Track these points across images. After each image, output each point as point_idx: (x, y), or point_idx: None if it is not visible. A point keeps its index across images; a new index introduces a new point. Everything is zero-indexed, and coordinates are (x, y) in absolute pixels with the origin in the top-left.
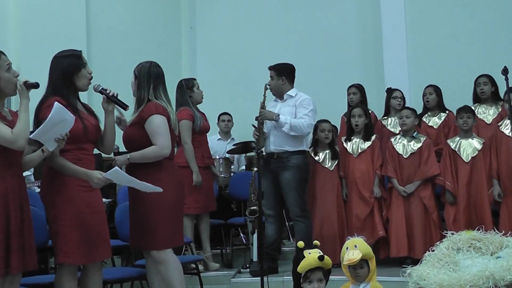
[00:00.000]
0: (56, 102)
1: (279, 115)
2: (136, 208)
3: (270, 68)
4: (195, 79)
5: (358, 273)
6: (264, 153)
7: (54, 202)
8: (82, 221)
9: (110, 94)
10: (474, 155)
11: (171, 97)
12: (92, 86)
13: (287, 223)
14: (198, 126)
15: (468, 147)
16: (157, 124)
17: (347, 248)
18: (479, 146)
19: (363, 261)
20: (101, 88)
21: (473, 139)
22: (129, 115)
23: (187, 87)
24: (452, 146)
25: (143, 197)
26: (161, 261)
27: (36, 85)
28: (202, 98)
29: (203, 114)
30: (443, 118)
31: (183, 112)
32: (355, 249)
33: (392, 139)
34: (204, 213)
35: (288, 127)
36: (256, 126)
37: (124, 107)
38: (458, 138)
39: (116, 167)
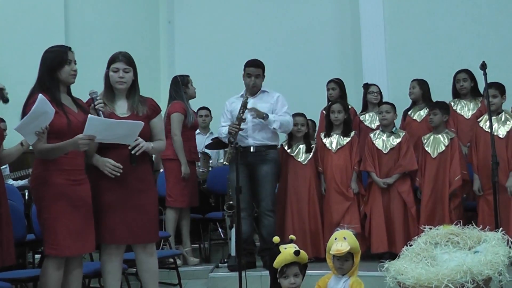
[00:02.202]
0: (40, 94)
1: (267, 114)
2: (140, 201)
3: (257, 65)
4: (189, 76)
5: (342, 265)
6: (241, 148)
7: (41, 194)
8: (66, 214)
9: (97, 106)
10: (441, 150)
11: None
12: (90, 90)
13: None
14: (190, 122)
15: (437, 143)
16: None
17: (335, 239)
18: (446, 142)
19: (349, 254)
20: (94, 96)
21: (443, 135)
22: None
23: (182, 83)
24: (423, 142)
25: (149, 190)
26: (153, 253)
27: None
28: (195, 93)
29: (194, 111)
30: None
31: (176, 105)
32: (344, 240)
33: (371, 135)
34: (187, 207)
35: (278, 124)
36: (235, 121)
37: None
38: (430, 134)
39: (89, 115)
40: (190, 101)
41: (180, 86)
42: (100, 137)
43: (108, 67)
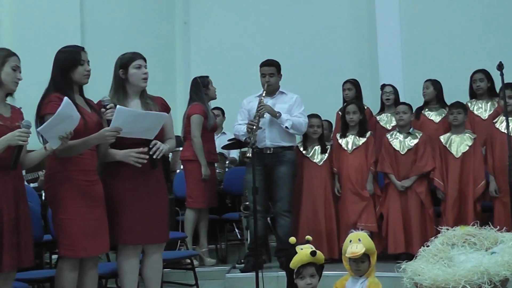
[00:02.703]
0: (65, 98)
1: (280, 112)
2: (156, 201)
3: (270, 64)
4: (208, 77)
5: (359, 267)
6: (257, 149)
7: (56, 195)
8: (81, 215)
9: (108, 115)
10: (465, 150)
11: (168, 92)
12: (103, 97)
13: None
14: (210, 125)
15: (459, 143)
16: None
17: (350, 241)
18: (470, 142)
19: (365, 256)
20: (106, 104)
21: (464, 135)
22: None
23: (202, 84)
24: (443, 142)
25: (162, 190)
26: (162, 252)
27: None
28: (216, 94)
29: (213, 112)
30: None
31: (196, 107)
32: (358, 242)
33: (388, 135)
34: (206, 208)
35: (290, 123)
36: (254, 119)
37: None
38: (449, 134)
39: (118, 106)
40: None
41: (201, 88)
42: (126, 130)
43: (123, 67)
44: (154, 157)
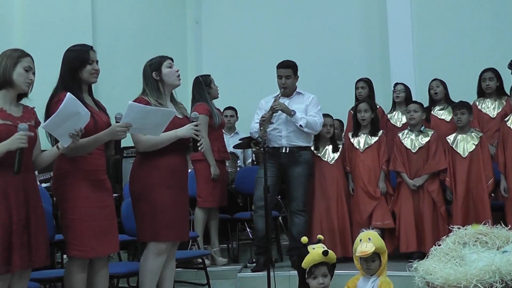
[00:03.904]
0: (68, 93)
1: (294, 110)
2: (186, 199)
3: (287, 66)
4: (210, 75)
5: (370, 266)
6: (269, 148)
7: (64, 195)
8: (91, 215)
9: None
10: (472, 149)
11: (180, 93)
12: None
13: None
14: (216, 123)
15: (465, 142)
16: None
17: (360, 240)
18: (476, 141)
19: (375, 255)
20: (119, 117)
21: (470, 134)
22: None
23: (205, 83)
24: (450, 142)
25: (187, 188)
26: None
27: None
28: (218, 93)
29: (219, 109)
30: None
31: (200, 107)
32: (368, 241)
33: (400, 134)
34: (216, 207)
35: (304, 122)
36: (267, 114)
37: None
38: (456, 134)
39: (130, 102)
40: (216, 100)
41: (203, 87)
42: (135, 126)
43: (155, 70)
44: (199, 145)
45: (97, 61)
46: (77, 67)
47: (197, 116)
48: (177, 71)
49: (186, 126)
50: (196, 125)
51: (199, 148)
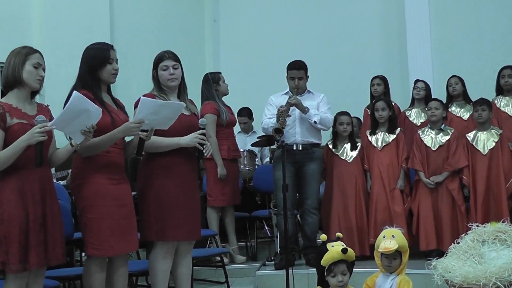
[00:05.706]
0: (75, 91)
1: (308, 107)
2: (196, 197)
3: (300, 67)
4: (220, 73)
5: (390, 263)
6: (287, 145)
7: (83, 194)
8: (110, 214)
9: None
10: (492, 147)
11: (197, 91)
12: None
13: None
14: (224, 120)
15: (486, 139)
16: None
17: (384, 237)
18: (496, 138)
19: (397, 253)
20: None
21: (490, 131)
22: None
23: (213, 80)
24: (470, 139)
25: (198, 187)
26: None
27: None
28: (228, 90)
29: (229, 107)
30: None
31: (208, 106)
32: (392, 239)
33: (420, 131)
34: (229, 205)
35: (318, 118)
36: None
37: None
38: (476, 131)
39: (142, 97)
40: (234, 98)
41: (211, 84)
42: (147, 121)
43: (155, 68)
44: (204, 151)
45: (117, 60)
46: (97, 65)
47: (205, 123)
48: (172, 74)
49: (190, 135)
50: (202, 133)
51: (205, 154)
